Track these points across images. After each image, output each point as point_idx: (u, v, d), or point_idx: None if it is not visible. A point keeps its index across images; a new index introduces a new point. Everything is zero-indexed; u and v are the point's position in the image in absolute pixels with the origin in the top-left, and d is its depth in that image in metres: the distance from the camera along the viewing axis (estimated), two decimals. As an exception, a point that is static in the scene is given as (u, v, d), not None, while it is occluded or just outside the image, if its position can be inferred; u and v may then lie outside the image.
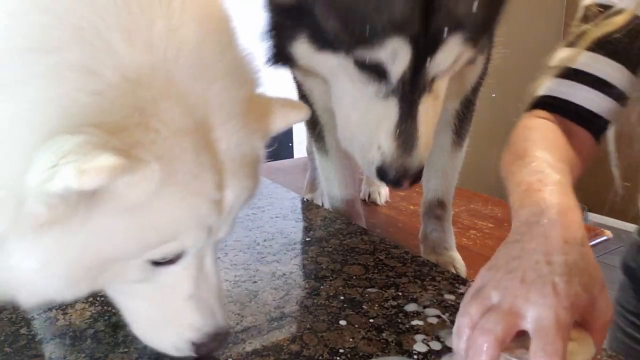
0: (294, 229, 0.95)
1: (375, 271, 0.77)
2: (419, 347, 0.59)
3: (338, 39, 0.63)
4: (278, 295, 0.71)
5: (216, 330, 0.51)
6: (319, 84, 0.79)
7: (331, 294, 0.71)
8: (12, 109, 0.36)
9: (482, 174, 1.60)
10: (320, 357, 0.57)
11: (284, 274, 0.77)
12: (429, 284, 0.73)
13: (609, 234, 1.14)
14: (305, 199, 1.13)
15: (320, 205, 1.18)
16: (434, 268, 0.78)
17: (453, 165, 0.97)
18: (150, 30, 0.41)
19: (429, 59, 0.62)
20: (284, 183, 1.24)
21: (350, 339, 0.61)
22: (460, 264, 0.95)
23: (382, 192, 1.31)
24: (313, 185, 1.36)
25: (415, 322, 0.63)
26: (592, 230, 1.16)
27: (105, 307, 0.68)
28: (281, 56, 0.74)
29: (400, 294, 0.70)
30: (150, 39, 0.41)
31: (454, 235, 1.01)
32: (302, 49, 0.68)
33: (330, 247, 0.86)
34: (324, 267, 0.79)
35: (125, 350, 0.59)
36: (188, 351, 0.51)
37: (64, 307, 0.68)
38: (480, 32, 0.65)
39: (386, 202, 1.30)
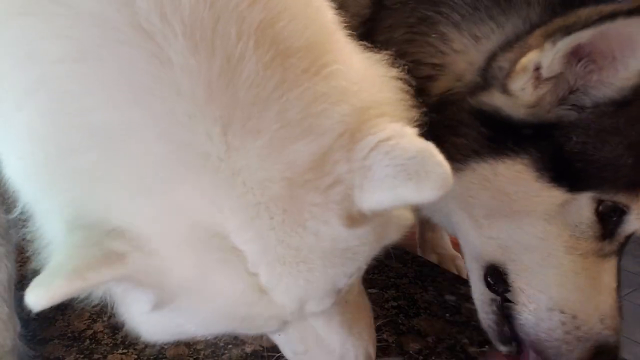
0: (294, 229, 0.95)
1: (376, 272, 0.77)
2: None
3: (600, 176, 0.50)
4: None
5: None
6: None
7: (331, 294, 0.70)
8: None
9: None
10: (320, 358, 0.57)
11: (284, 275, 0.76)
12: (429, 284, 0.73)
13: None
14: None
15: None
16: (435, 269, 0.78)
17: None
18: None
19: None
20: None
21: (351, 340, 0.60)
22: (461, 263, 0.94)
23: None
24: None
25: (415, 323, 0.63)
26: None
27: (104, 308, 0.67)
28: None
29: (400, 294, 0.70)
30: None
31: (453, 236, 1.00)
32: (511, 168, 0.52)
33: (331, 248, 0.85)
34: (324, 267, 0.78)
35: (124, 351, 0.59)
36: None
37: (62, 308, 0.67)
38: None
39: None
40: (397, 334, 0.61)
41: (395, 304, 0.68)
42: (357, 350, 0.46)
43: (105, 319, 0.65)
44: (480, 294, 0.56)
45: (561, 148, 0.50)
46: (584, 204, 0.51)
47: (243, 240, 0.35)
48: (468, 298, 0.69)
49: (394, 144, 0.32)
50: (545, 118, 0.50)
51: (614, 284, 0.54)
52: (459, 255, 0.95)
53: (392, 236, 0.42)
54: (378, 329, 0.62)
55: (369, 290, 0.71)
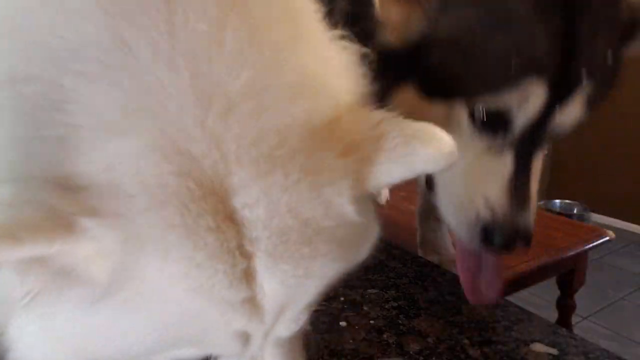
0: (295, 229, 0.95)
1: (376, 272, 0.77)
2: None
3: (459, 84, 0.56)
4: None
5: None
6: None
7: (331, 295, 0.70)
8: None
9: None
10: (321, 359, 0.57)
11: (284, 275, 0.76)
12: (430, 284, 0.72)
13: (611, 234, 1.13)
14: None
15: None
16: (435, 269, 0.78)
17: None
18: None
19: (558, 107, 0.55)
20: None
21: (351, 340, 0.60)
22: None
23: (382, 192, 1.30)
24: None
25: (416, 323, 0.63)
26: (595, 231, 1.15)
27: None
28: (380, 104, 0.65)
29: (401, 294, 0.70)
30: None
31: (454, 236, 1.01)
32: (406, 96, 0.59)
33: (331, 248, 0.85)
34: (325, 267, 0.78)
35: (124, 351, 0.59)
36: None
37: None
38: (604, 92, 0.58)
39: (386, 202, 1.30)
40: (397, 334, 0.61)
41: (395, 304, 0.68)
42: None
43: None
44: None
45: (428, 65, 0.57)
46: (460, 112, 0.57)
47: (246, 203, 0.27)
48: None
49: (400, 118, 0.31)
50: (411, 38, 0.57)
51: (505, 173, 0.58)
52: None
53: (364, 251, 0.36)
54: (378, 330, 0.62)
55: (369, 290, 0.71)
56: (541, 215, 1.33)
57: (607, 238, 1.12)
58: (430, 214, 0.98)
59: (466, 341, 0.60)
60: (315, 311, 0.68)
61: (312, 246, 0.29)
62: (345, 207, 0.30)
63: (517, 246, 0.59)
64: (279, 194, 0.28)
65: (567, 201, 3.46)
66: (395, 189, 1.32)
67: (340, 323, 0.64)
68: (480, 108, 0.56)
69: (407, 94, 0.59)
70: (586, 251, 1.10)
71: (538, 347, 0.59)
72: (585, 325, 2.15)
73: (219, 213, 0.27)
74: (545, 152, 0.62)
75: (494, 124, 0.57)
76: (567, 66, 0.53)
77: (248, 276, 0.28)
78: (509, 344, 0.59)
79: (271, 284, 0.29)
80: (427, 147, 0.30)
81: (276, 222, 0.28)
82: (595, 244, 1.10)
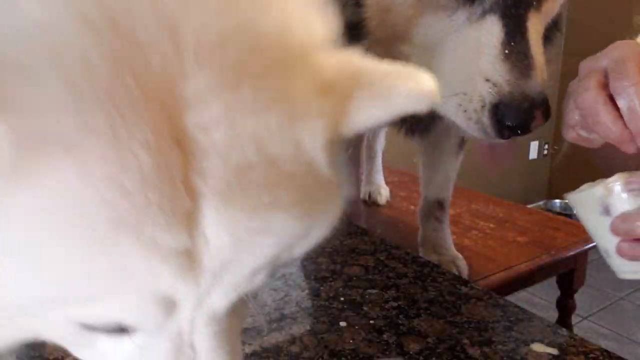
0: (294, 229, 0.95)
1: (376, 272, 0.77)
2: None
3: None
4: (278, 297, 0.70)
5: None
6: None
7: (331, 295, 0.70)
8: None
9: (482, 173, 1.60)
10: (320, 359, 0.57)
11: (284, 275, 0.76)
12: (429, 284, 0.72)
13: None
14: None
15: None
16: (435, 269, 0.78)
17: (454, 167, 0.97)
18: None
19: None
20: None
21: (351, 341, 0.60)
22: (462, 264, 0.95)
23: (383, 192, 1.31)
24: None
25: (416, 323, 0.63)
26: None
27: None
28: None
29: (401, 295, 0.70)
30: None
31: (455, 235, 1.01)
32: None
33: (330, 248, 0.85)
34: (324, 267, 0.78)
35: (124, 351, 0.58)
36: None
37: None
38: None
39: (386, 202, 1.30)
40: (397, 334, 0.61)
41: (395, 304, 0.68)
42: None
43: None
44: None
45: None
46: None
47: (201, 123, 0.22)
48: (469, 298, 0.69)
49: (376, 59, 0.28)
50: None
51: (494, 41, 0.52)
52: (460, 256, 0.95)
53: (326, 222, 0.29)
54: (378, 329, 0.62)
55: (369, 290, 0.71)
56: (541, 216, 1.34)
57: (607, 238, 1.12)
58: (431, 213, 0.98)
59: (466, 341, 0.60)
60: (315, 311, 0.68)
61: (274, 194, 0.23)
62: (317, 152, 0.25)
63: (535, 117, 0.51)
64: (244, 118, 0.22)
65: (567, 201, 3.46)
66: (395, 189, 1.32)
67: (340, 323, 0.64)
68: None
69: None
70: (586, 251, 1.10)
71: (538, 347, 0.59)
72: (586, 325, 2.15)
73: (162, 129, 0.21)
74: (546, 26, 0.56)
75: None
76: None
77: (190, 219, 0.22)
78: (509, 344, 0.59)
79: (217, 233, 0.23)
80: (408, 82, 0.27)
81: (235, 154, 0.22)
82: (595, 244, 1.10)
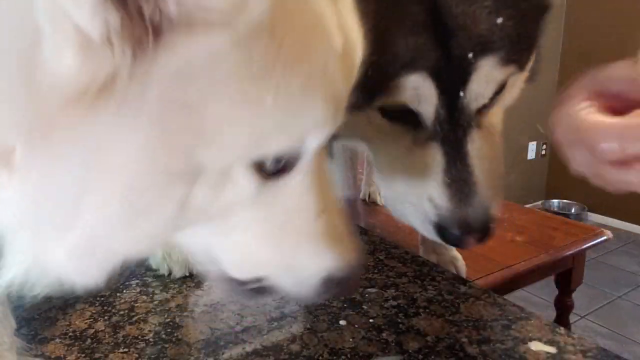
0: (294, 229, 0.95)
1: (375, 271, 0.77)
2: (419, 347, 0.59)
3: (358, 93, 0.57)
4: (278, 295, 0.71)
5: (354, 261, 0.38)
6: None
7: (331, 294, 0.71)
8: None
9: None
10: (320, 357, 0.57)
11: (284, 274, 0.77)
12: (429, 284, 0.73)
13: (609, 234, 1.14)
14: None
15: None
16: (434, 268, 0.78)
17: None
18: None
19: (461, 92, 0.54)
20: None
21: (350, 339, 0.60)
22: (460, 264, 0.95)
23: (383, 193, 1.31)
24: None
25: (415, 322, 0.64)
26: (592, 230, 1.16)
27: (106, 307, 0.68)
28: None
29: (400, 294, 0.70)
30: None
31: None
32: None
33: (330, 247, 0.86)
34: (324, 267, 0.79)
35: (125, 350, 0.59)
36: (319, 291, 0.38)
37: (64, 307, 0.68)
38: (522, 48, 0.55)
39: (386, 202, 1.30)
40: (397, 333, 0.62)
41: (394, 303, 0.68)
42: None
43: (106, 318, 0.65)
44: None
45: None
46: (375, 116, 0.57)
47: None
48: (467, 298, 0.69)
49: None
50: None
51: (438, 167, 0.56)
52: (459, 256, 0.96)
53: None
54: (377, 328, 0.62)
55: (368, 289, 0.71)
56: (539, 215, 1.34)
57: (605, 237, 1.13)
58: None
59: (465, 340, 0.60)
60: (315, 310, 0.68)
61: None
62: None
63: (470, 242, 0.56)
64: None
65: (565, 201, 3.46)
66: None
67: (340, 322, 0.64)
68: (386, 108, 0.56)
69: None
70: (584, 250, 1.11)
71: (536, 345, 0.59)
72: (584, 323, 2.16)
73: None
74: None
75: (405, 119, 0.56)
76: (449, 50, 0.51)
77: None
78: (507, 343, 0.60)
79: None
80: None
81: None
82: (592, 243, 1.11)
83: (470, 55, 0.51)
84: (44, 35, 0.22)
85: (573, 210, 3.37)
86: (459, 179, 0.55)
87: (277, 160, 0.31)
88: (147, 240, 0.31)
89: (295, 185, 0.33)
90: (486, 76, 0.53)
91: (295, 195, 0.33)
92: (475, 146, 0.56)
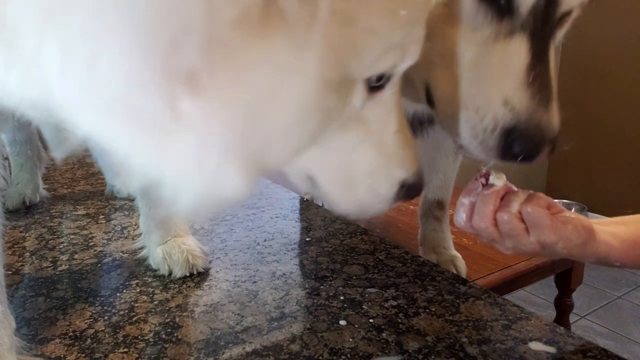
0: (294, 229, 0.95)
1: (375, 271, 0.77)
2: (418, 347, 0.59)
3: None
4: (278, 295, 0.71)
5: (420, 169, 0.44)
6: None
7: (331, 294, 0.71)
8: None
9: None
10: (320, 357, 0.57)
11: (284, 274, 0.77)
12: (429, 284, 0.73)
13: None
14: (305, 199, 1.13)
15: (320, 205, 1.18)
16: (434, 268, 0.78)
17: (454, 166, 0.97)
18: None
19: None
20: (284, 183, 1.24)
21: (350, 339, 0.61)
22: (460, 263, 0.95)
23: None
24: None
25: (415, 322, 0.64)
26: (592, 230, 1.16)
27: (106, 307, 0.68)
28: None
29: (400, 294, 0.70)
30: None
31: (454, 235, 1.01)
32: None
33: (330, 247, 0.86)
34: (324, 267, 0.79)
35: (125, 350, 0.59)
36: (394, 198, 0.44)
37: (64, 307, 0.68)
38: None
39: (386, 202, 1.30)
40: (397, 333, 0.62)
41: (394, 303, 0.68)
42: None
43: (106, 318, 0.65)
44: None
45: None
46: None
47: None
48: (467, 298, 0.69)
49: None
50: None
51: (521, 63, 0.50)
52: (459, 256, 0.96)
53: None
54: (378, 328, 0.63)
55: (368, 289, 0.71)
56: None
57: (605, 237, 1.12)
58: (431, 213, 0.98)
59: (465, 340, 0.60)
60: (315, 310, 0.68)
61: None
62: None
63: (542, 152, 0.50)
64: None
65: (565, 201, 3.46)
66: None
67: (340, 322, 0.64)
68: None
69: None
70: (584, 250, 1.11)
71: (536, 345, 0.59)
72: (583, 323, 2.15)
73: None
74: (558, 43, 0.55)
75: (498, 3, 0.50)
76: None
77: None
78: (507, 343, 0.60)
79: None
80: None
81: None
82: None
83: None
84: None
85: (573, 210, 3.37)
86: (541, 79, 0.49)
87: (379, 77, 0.36)
88: (291, 153, 0.36)
89: (385, 101, 0.39)
90: None
91: (384, 110, 0.40)
92: (553, 56, 0.51)
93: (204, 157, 0.30)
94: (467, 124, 0.52)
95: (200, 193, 0.32)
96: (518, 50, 0.50)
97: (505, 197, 0.55)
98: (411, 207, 1.27)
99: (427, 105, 0.58)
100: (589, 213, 3.31)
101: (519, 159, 0.51)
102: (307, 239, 0.91)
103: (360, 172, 0.41)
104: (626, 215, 0.65)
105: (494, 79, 0.50)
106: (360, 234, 0.91)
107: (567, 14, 0.53)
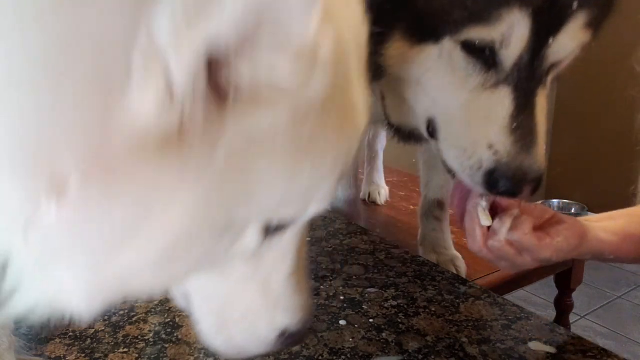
0: (294, 228, 0.95)
1: (375, 271, 0.77)
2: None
3: (444, 21, 0.55)
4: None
5: (307, 316, 0.42)
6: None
7: (331, 294, 0.71)
8: None
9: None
10: (320, 357, 0.57)
11: (284, 274, 0.77)
12: (429, 284, 0.73)
13: (608, 233, 1.13)
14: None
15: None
16: (434, 268, 0.78)
17: None
18: None
19: (550, 40, 0.53)
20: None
21: (350, 339, 0.61)
22: (461, 263, 0.95)
23: (382, 192, 1.31)
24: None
25: (415, 322, 0.64)
26: (592, 230, 1.16)
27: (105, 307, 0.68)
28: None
29: (400, 294, 0.70)
30: None
31: (454, 235, 1.01)
32: (395, 48, 0.59)
33: (330, 247, 0.86)
34: (324, 267, 0.79)
35: (125, 350, 0.59)
36: (272, 344, 0.41)
37: (64, 307, 0.68)
38: (604, 14, 0.56)
39: (386, 202, 1.30)
40: (397, 333, 0.62)
41: (394, 303, 0.68)
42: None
43: (106, 318, 0.65)
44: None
45: (411, 8, 0.56)
46: (450, 49, 0.56)
47: None
48: (467, 298, 0.69)
49: None
50: None
51: (505, 112, 0.55)
52: (459, 256, 0.96)
53: None
54: (378, 328, 0.63)
55: (368, 289, 0.71)
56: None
57: (605, 237, 1.12)
58: (431, 213, 0.98)
59: (465, 340, 0.60)
60: (315, 310, 0.68)
61: None
62: None
63: (523, 192, 0.55)
64: None
65: (564, 201, 3.46)
66: (395, 189, 1.33)
67: (340, 322, 0.64)
68: (470, 40, 0.54)
69: (398, 43, 0.59)
70: (584, 250, 1.11)
71: (536, 345, 0.59)
72: (583, 323, 2.15)
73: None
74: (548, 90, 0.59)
75: (484, 59, 0.55)
76: None
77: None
78: (507, 343, 0.60)
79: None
80: None
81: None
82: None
83: (575, 4, 0.52)
84: (133, 75, 0.23)
85: (573, 210, 3.37)
86: (524, 126, 0.54)
87: (281, 223, 0.34)
88: (165, 283, 0.34)
89: (284, 244, 0.37)
90: (574, 31, 0.53)
91: (281, 253, 0.37)
92: (540, 102, 0.55)
93: (47, 262, 0.28)
94: (457, 160, 0.59)
95: (36, 297, 0.30)
96: (502, 101, 0.55)
97: (495, 220, 0.59)
98: (411, 207, 1.27)
99: (427, 136, 0.64)
100: (589, 213, 3.31)
101: (502, 194, 0.57)
102: (307, 239, 0.90)
103: (239, 309, 0.38)
104: (613, 211, 0.68)
105: (480, 124, 0.56)
106: (360, 234, 0.91)
107: (558, 63, 0.56)
